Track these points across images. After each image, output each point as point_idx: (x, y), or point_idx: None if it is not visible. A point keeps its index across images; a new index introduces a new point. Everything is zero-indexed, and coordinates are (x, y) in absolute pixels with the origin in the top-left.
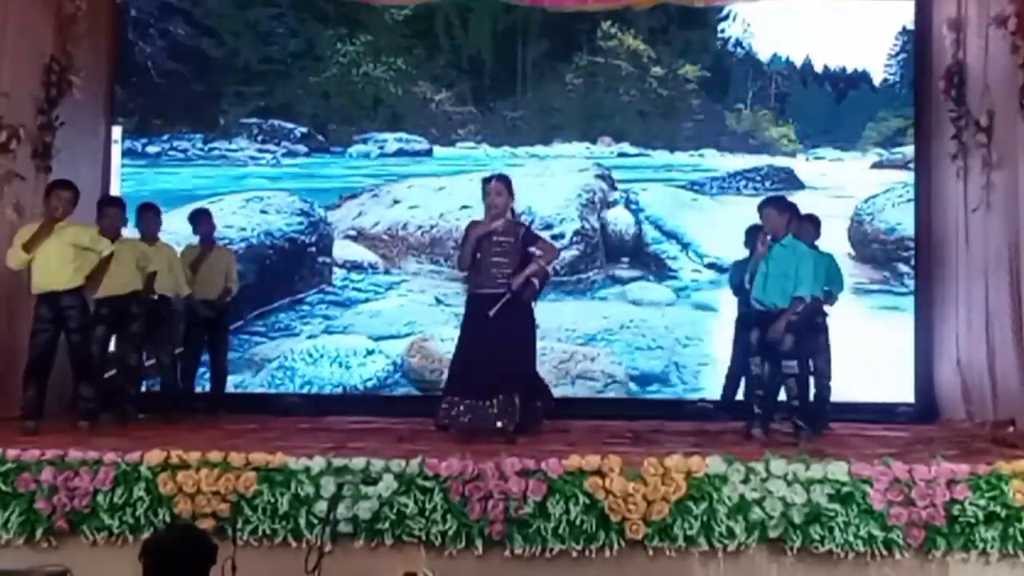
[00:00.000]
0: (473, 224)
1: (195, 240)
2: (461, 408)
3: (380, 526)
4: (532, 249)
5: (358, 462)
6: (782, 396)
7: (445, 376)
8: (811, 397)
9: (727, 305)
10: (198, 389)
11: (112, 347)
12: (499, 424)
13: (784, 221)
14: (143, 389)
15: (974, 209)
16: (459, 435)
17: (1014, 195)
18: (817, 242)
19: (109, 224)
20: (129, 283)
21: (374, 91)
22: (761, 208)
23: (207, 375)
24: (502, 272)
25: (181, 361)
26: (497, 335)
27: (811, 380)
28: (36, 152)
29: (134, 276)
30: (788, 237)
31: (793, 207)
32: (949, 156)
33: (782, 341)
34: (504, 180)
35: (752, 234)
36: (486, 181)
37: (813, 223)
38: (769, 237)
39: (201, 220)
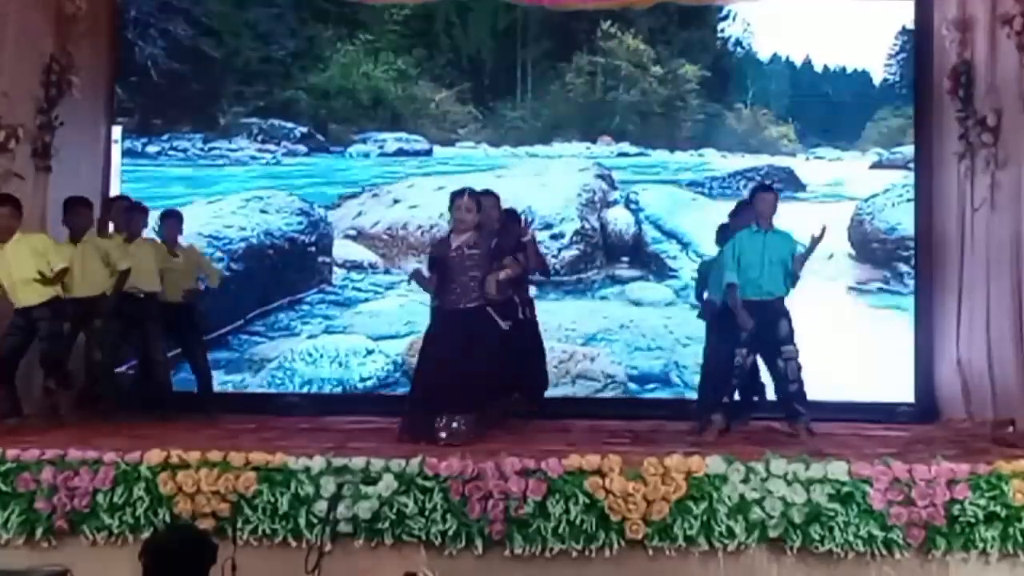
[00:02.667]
0: (434, 246)
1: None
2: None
3: (380, 526)
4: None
5: (358, 462)
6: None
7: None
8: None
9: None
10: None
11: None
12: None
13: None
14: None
15: (977, 208)
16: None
17: (1018, 195)
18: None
19: (77, 223)
20: (97, 284)
21: (374, 91)
22: (759, 193)
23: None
24: (476, 285)
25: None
26: (467, 347)
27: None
28: (36, 152)
29: (101, 277)
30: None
31: None
32: (953, 155)
33: (778, 327)
34: (476, 198)
35: (724, 232)
36: (456, 195)
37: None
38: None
39: (168, 223)
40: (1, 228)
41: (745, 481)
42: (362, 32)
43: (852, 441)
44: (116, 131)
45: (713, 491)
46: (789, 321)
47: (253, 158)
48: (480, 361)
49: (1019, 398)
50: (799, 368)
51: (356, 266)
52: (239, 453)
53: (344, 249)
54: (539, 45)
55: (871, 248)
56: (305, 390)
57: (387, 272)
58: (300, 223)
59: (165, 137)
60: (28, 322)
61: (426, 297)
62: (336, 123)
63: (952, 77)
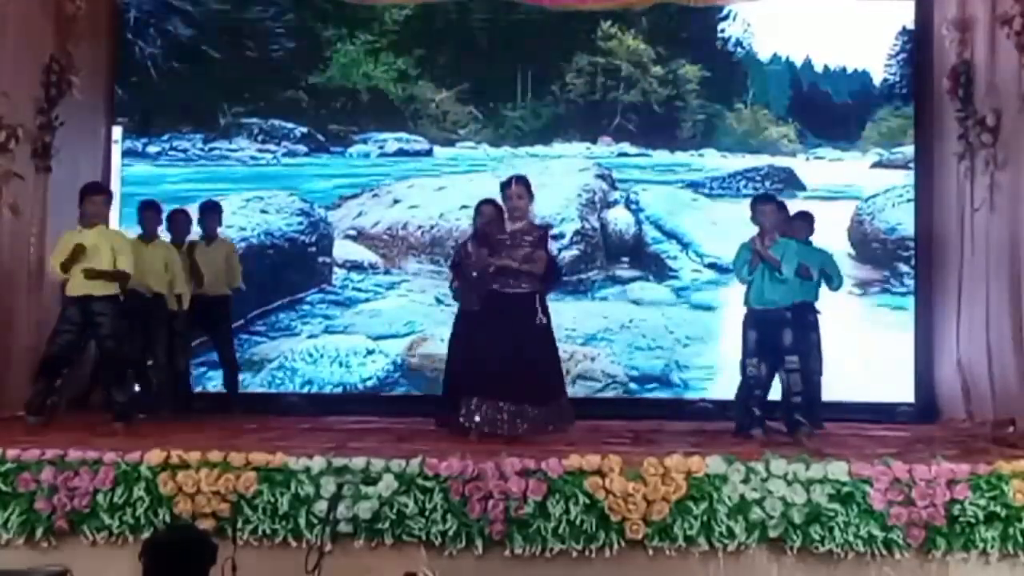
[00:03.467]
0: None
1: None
2: (505, 415)
3: (380, 526)
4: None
5: (358, 462)
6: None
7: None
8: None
9: (727, 305)
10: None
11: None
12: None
13: (782, 218)
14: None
15: (976, 208)
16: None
17: (1018, 195)
18: (812, 239)
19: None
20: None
21: (374, 91)
22: (758, 205)
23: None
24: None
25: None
26: (531, 337)
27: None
28: (36, 152)
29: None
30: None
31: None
32: (953, 156)
33: (782, 337)
34: (525, 182)
35: None
36: (506, 184)
37: (807, 220)
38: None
39: (208, 216)
40: (92, 215)
41: (745, 481)
42: (362, 32)
43: (852, 441)
44: (116, 131)
45: (713, 491)
46: (793, 330)
47: (253, 158)
48: (526, 348)
49: (1019, 398)
50: (801, 379)
51: (356, 266)
52: (239, 453)
53: (344, 249)
54: (539, 45)
55: (871, 248)
56: (305, 390)
57: (387, 272)
58: (300, 223)
59: (165, 137)
60: (85, 317)
61: (425, 297)
62: (336, 123)
63: (952, 77)
